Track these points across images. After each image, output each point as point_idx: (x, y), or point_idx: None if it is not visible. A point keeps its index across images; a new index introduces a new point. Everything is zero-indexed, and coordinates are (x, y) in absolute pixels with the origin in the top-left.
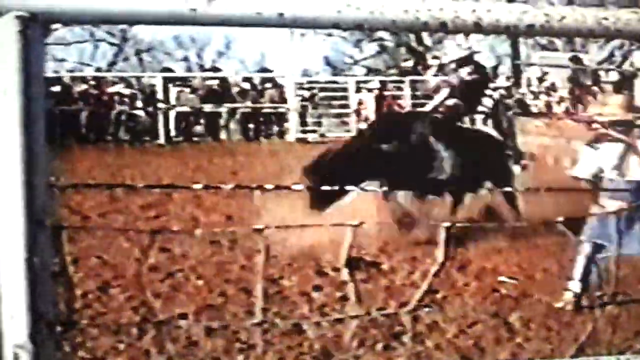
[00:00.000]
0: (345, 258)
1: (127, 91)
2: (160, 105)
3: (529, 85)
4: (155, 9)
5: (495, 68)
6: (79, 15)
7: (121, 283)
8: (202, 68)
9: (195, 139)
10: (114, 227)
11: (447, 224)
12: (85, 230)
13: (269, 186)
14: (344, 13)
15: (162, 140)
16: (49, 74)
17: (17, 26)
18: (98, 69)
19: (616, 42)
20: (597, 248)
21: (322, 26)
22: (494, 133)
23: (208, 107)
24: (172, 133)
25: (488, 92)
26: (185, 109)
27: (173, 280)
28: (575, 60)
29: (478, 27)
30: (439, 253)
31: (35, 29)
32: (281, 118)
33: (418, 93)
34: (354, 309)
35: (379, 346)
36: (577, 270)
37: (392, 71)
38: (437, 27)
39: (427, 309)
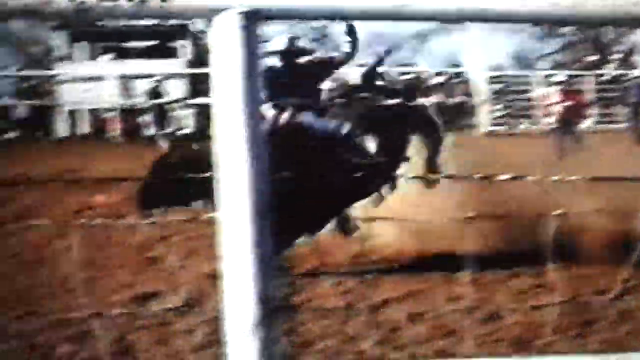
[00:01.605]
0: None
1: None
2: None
3: None
4: (365, 4)
5: None
6: (295, 11)
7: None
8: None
9: None
10: None
11: None
12: None
13: None
14: (534, 7)
15: None
16: None
17: (239, 22)
18: None
19: None
20: None
21: (514, 21)
22: None
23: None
24: None
25: None
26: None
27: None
28: None
29: None
30: None
31: (255, 25)
32: (471, 112)
33: (602, 87)
34: (552, 296)
35: (573, 333)
36: None
37: (577, 65)
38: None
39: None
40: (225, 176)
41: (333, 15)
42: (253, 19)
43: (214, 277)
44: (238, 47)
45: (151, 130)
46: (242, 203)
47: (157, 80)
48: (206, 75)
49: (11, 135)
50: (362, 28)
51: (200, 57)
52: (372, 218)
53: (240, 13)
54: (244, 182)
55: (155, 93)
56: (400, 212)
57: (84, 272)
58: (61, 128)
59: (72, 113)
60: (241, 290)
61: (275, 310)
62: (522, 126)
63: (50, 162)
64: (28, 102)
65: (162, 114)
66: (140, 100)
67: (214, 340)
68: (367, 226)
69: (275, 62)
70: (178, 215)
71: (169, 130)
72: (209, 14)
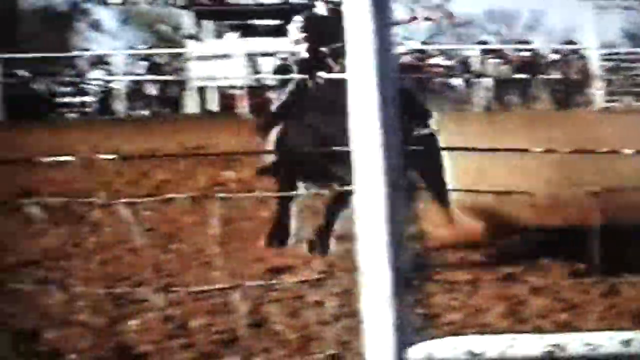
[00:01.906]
0: None
1: (446, 63)
2: (476, 75)
3: None
4: None
5: None
6: None
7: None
8: (512, 41)
9: (509, 107)
10: None
11: None
12: None
13: None
14: None
15: (479, 108)
16: None
17: (370, 2)
18: (424, 42)
19: None
20: None
21: None
22: None
23: (520, 77)
24: (488, 103)
25: None
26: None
27: None
28: None
29: None
30: None
31: (384, 5)
32: (586, 88)
33: None
34: None
35: None
36: None
37: None
38: None
39: None
40: (359, 150)
41: None
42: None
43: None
44: (369, 21)
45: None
46: (375, 176)
47: (283, 58)
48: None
49: (143, 112)
50: (479, 4)
51: None
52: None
53: None
54: (377, 155)
55: (282, 70)
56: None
57: (218, 246)
58: (190, 105)
59: (200, 90)
60: (375, 261)
61: (408, 282)
62: (635, 103)
63: (181, 139)
64: (158, 78)
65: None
66: (268, 76)
67: (347, 313)
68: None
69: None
70: (309, 190)
71: None
72: None
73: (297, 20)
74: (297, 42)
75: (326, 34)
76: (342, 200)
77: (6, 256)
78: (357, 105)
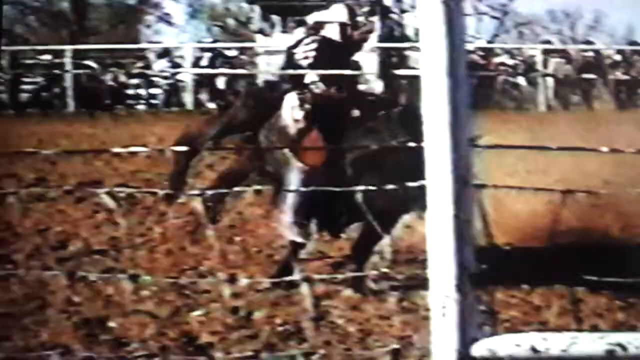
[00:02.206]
0: None
1: (510, 61)
2: (539, 75)
3: None
4: None
5: None
6: None
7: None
8: (574, 41)
9: (570, 107)
10: None
11: None
12: None
13: None
14: None
15: (542, 108)
16: None
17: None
18: (489, 41)
19: None
20: None
21: None
22: None
23: (583, 77)
24: (551, 102)
25: None
26: (561, 78)
27: None
28: None
29: None
30: None
31: (457, 1)
32: None
33: None
34: None
35: None
36: None
37: None
38: None
39: None
40: (430, 146)
41: None
42: None
43: None
44: (440, 22)
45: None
46: (444, 170)
47: None
48: (394, 49)
49: (211, 104)
50: (541, 4)
51: (390, 32)
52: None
53: None
54: (446, 149)
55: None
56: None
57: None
58: None
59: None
60: (442, 257)
61: (473, 277)
62: None
63: None
64: (226, 71)
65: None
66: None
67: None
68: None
69: (332, 32)
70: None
71: None
72: None
73: (307, 42)
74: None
75: (337, 60)
76: (373, 239)
77: (74, 244)
78: (429, 103)
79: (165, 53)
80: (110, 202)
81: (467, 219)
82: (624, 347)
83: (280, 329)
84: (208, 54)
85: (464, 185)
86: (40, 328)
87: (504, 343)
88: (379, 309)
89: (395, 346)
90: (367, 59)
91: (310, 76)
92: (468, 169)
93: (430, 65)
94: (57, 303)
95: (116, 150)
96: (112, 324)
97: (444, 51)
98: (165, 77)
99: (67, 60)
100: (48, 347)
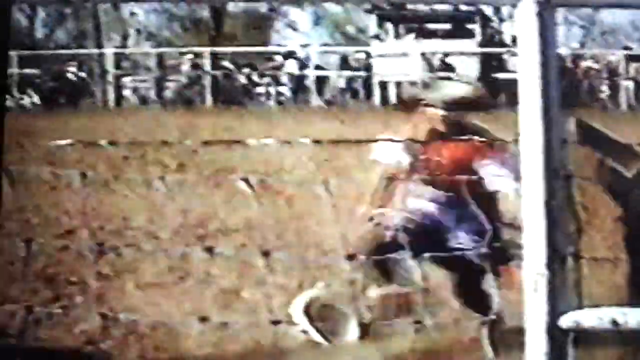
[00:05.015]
0: None
1: (595, 66)
2: (622, 78)
3: None
4: None
5: None
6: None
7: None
8: None
9: None
10: None
11: None
12: None
13: None
14: None
15: (624, 107)
16: None
17: (535, 9)
18: (577, 48)
19: None
20: None
21: None
22: None
23: None
24: (632, 102)
25: None
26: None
27: None
28: None
29: None
30: None
31: (550, 12)
32: None
33: None
34: None
35: None
36: None
37: None
38: None
39: None
40: (524, 142)
41: (630, 4)
42: (547, 7)
43: None
44: (535, 31)
45: None
46: (536, 165)
47: (441, 58)
48: (493, 54)
49: (332, 102)
50: (624, 14)
51: (490, 39)
52: None
53: (536, 2)
54: (538, 147)
55: (443, 67)
56: None
57: None
58: (373, 98)
59: (382, 85)
60: (535, 239)
61: (562, 258)
62: None
63: (367, 126)
64: (345, 73)
65: None
66: (434, 75)
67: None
68: None
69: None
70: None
71: None
72: (512, 2)
73: None
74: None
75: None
76: None
77: (212, 224)
78: (524, 104)
79: (292, 55)
80: (245, 187)
81: (558, 205)
82: None
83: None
84: (330, 56)
85: (555, 176)
86: (182, 297)
87: (588, 316)
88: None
89: (492, 317)
90: (468, 63)
91: None
92: (560, 162)
93: (525, 69)
94: (197, 275)
95: (249, 141)
96: (244, 294)
97: (538, 57)
98: (292, 77)
99: (206, 62)
100: (189, 314)
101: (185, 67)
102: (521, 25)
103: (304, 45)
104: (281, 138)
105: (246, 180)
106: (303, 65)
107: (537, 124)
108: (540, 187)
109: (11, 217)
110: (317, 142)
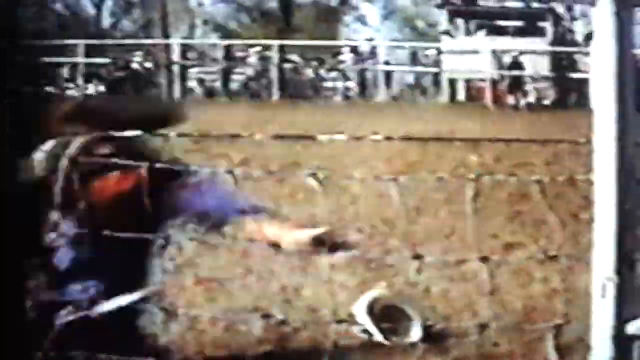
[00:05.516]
0: None
1: None
2: None
3: None
4: None
5: None
6: None
7: None
8: None
9: None
10: None
11: None
12: None
13: None
14: None
15: None
16: None
17: (612, 9)
18: None
19: None
20: None
21: None
22: None
23: None
24: None
25: None
26: None
27: None
28: None
29: None
30: None
31: (628, 11)
32: None
33: None
34: None
35: None
36: None
37: None
38: None
39: None
40: (598, 141)
41: None
42: (625, 6)
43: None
44: (611, 30)
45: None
46: (609, 167)
47: (514, 55)
48: (564, 53)
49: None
50: None
51: (561, 38)
52: None
53: (613, 1)
54: (612, 148)
55: (514, 65)
56: None
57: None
58: (442, 94)
59: (450, 81)
60: (603, 243)
61: (631, 263)
62: None
63: (433, 123)
64: (414, 69)
65: (517, 85)
66: (504, 72)
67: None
68: None
69: None
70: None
71: (530, 100)
72: (591, 1)
73: None
74: None
75: None
76: None
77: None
78: (598, 105)
79: (361, 50)
80: (313, 183)
81: (630, 209)
82: None
83: (452, 302)
84: (399, 52)
85: (629, 178)
86: (243, 293)
87: None
88: (545, 288)
89: (559, 322)
90: (538, 62)
91: None
92: (632, 164)
93: (600, 69)
94: (258, 271)
95: (318, 136)
96: (306, 292)
97: (613, 57)
98: (360, 72)
99: (274, 54)
100: (249, 311)
101: (253, 59)
102: (598, 24)
103: (372, 39)
104: (349, 134)
105: (314, 176)
106: (371, 60)
107: (611, 126)
108: (613, 189)
109: None
110: (388, 138)
